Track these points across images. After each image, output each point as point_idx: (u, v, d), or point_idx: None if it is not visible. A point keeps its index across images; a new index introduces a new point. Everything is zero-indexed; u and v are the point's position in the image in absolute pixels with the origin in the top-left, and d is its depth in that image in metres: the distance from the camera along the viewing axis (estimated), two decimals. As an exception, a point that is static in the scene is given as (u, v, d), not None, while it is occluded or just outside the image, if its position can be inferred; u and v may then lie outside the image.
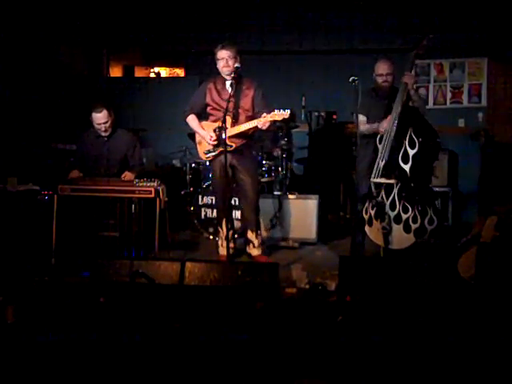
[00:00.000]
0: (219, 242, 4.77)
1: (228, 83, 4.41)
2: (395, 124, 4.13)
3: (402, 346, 2.82)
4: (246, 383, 2.66)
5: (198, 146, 4.69)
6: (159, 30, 7.53)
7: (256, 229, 4.69)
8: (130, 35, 7.64)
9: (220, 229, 4.72)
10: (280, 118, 4.19)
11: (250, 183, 4.56)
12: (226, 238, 4.25)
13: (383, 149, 4.16)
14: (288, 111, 4.15)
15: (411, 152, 4.04)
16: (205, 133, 4.47)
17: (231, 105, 4.35)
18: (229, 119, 4.35)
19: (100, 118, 4.79)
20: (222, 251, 4.63)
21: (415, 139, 4.04)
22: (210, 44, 7.37)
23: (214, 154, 4.48)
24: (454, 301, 3.21)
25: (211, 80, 4.53)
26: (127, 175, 4.79)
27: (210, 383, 2.66)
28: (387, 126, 4.17)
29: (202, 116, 4.64)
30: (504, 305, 3.15)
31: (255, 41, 7.21)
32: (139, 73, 8.51)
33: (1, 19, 5.99)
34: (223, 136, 4.22)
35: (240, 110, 4.42)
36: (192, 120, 4.58)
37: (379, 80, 4.42)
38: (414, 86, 4.38)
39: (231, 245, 4.61)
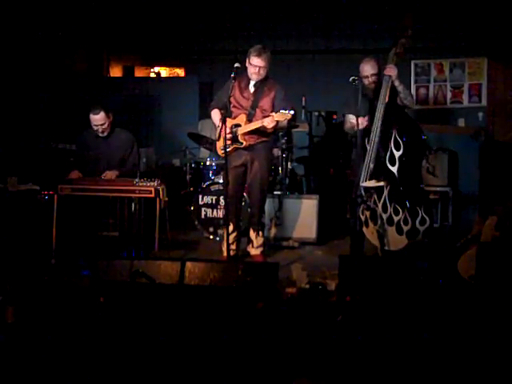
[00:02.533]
0: (223, 243, 4.59)
1: (252, 83, 4.47)
2: (380, 125, 4.12)
3: (402, 345, 2.82)
4: (246, 383, 2.66)
5: (217, 141, 4.66)
6: (159, 30, 7.53)
7: (258, 229, 4.69)
8: (129, 35, 7.64)
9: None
10: (283, 119, 4.20)
11: (259, 183, 4.56)
12: (227, 238, 4.20)
13: (370, 151, 4.15)
14: (291, 112, 4.16)
15: (397, 154, 4.05)
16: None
17: (249, 102, 4.44)
18: (244, 117, 4.44)
19: (97, 119, 4.80)
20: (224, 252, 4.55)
21: (399, 141, 4.03)
22: (210, 44, 7.48)
23: (228, 149, 4.38)
24: (454, 301, 3.20)
25: (237, 77, 4.41)
26: (108, 174, 4.76)
27: (210, 383, 2.66)
28: (365, 122, 4.19)
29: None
30: (504, 305, 3.14)
31: (255, 41, 7.18)
32: (139, 73, 8.51)
33: (1, 19, 6.00)
34: (237, 133, 4.39)
35: (257, 110, 4.45)
36: (214, 114, 4.58)
37: (365, 82, 4.40)
38: (398, 79, 4.28)
39: (232, 246, 4.59)
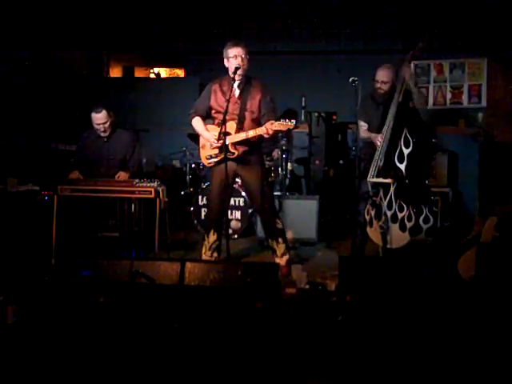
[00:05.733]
0: (202, 250, 4.46)
1: (236, 84, 4.16)
2: (391, 124, 4.14)
3: (402, 345, 2.82)
4: (246, 383, 2.66)
5: (200, 150, 4.42)
6: (159, 31, 7.54)
7: (275, 237, 4.39)
8: (129, 36, 7.65)
9: (206, 236, 4.43)
10: (285, 129, 3.92)
11: (259, 192, 4.26)
12: (227, 244, 4.09)
13: (380, 149, 4.19)
14: (293, 122, 3.89)
15: (406, 151, 4.06)
16: (209, 135, 4.19)
17: (236, 107, 4.14)
18: (234, 124, 4.12)
19: (99, 118, 4.80)
20: (204, 259, 4.40)
21: (410, 139, 4.06)
22: (210, 44, 7.48)
23: (215, 159, 4.19)
24: (454, 301, 3.21)
25: (217, 81, 4.23)
26: (121, 175, 4.78)
27: (210, 383, 2.66)
28: (379, 139, 4.22)
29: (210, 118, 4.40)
30: (504, 305, 3.15)
31: (255, 41, 7.21)
32: (139, 73, 8.53)
33: (1, 20, 6.01)
34: (226, 142, 4.05)
35: (246, 113, 4.16)
36: (197, 122, 4.31)
37: (375, 85, 4.43)
38: (412, 79, 4.29)
39: (215, 254, 4.41)
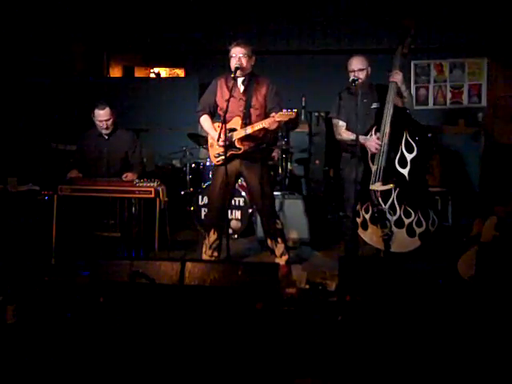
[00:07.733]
0: (203, 249, 4.52)
1: (240, 80, 4.22)
2: (388, 127, 4.01)
3: (401, 345, 2.82)
4: (247, 383, 2.66)
5: (209, 148, 4.46)
6: (159, 31, 7.54)
7: (274, 237, 4.45)
8: (130, 35, 7.65)
9: (207, 235, 4.50)
10: (286, 119, 3.94)
11: (261, 192, 4.32)
12: (227, 244, 4.14)
13: (380, 154, 4.04)
14: (294, 111, 3.93)
15: (409, 156, 3.95)
16: (216, 133, 4.18)
17: (241, 103, 4.19)
18: (239, 120, 4.18)
19: (102, 114, 4.82)
20: (205, 258, 4.46)
21: (412, 142, 3.95)
22: (210, 44, 7.48)
23: (223, 157, 4.14)
24: (454, 301, 3.20)
25: (222, 76, 4.30)
26: (129, 176, 4.79)
27: (210, 383, 2.66)
28: (374, 145, 4.05)
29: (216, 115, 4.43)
30: (504, 305, 3.14)
31: (255, 41, 7.18)
32: (139, 73, 8.52)
33: (1, 19, 6.01)
34: (233, 138, 4.14)
35: (251, 110, 4.20)
36: (204, 121, 4.36)
37: (350, 76, 4.24)
38: (404, 84, 4.16)
39: (215, 253, 4.46)
